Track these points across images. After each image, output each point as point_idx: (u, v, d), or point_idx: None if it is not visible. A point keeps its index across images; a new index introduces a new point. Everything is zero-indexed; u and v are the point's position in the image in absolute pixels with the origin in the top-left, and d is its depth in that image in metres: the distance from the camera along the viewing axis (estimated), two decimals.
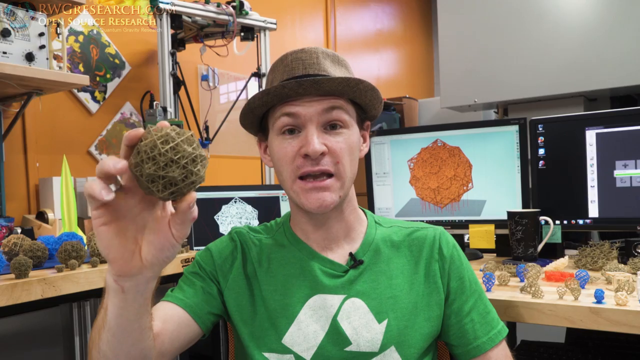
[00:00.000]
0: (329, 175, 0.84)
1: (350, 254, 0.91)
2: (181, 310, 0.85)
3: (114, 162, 0.55)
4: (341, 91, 0.85)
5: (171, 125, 0.57)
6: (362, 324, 0.86)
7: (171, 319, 0.83)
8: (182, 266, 1.56)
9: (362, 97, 0.88)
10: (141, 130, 0.57)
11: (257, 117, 0.91)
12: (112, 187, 0.57)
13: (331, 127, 0.85)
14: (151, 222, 0.61)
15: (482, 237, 1.55)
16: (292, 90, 0.83)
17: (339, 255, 0.91)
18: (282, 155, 0.86)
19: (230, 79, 3.00)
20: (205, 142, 2.54)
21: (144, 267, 0.61)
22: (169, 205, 0.62)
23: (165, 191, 0.55)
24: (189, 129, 0.57)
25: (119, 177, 0.59)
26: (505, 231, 1.50)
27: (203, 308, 0.88)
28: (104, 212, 0.58)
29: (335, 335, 0.86)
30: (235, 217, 1.84)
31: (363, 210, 0.99)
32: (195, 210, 0.59)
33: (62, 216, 1.69)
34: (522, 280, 1.19)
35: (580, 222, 1.46)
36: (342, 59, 0.92)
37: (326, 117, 0.84)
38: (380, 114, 0.97)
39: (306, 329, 0.86)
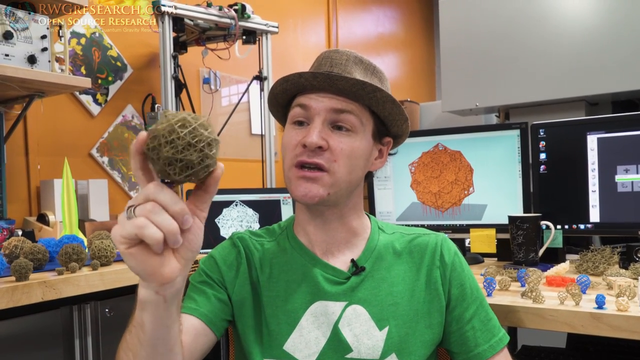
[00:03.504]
0: (323, 170, 0.84)
1: (352, 260, 0.90)
2: (196, 320, 0.84)
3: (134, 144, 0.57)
4: (355, 94, 0.85)
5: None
6: (363, 331, 0.86)
7: (187, 331, 0.81)
8: None
9: (380, 108, 0.87)
10: (144, 133, 0.57)
11: (281, 107, 0.94)
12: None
13: (338, 127, 0.85)
14: None
15: (483, 241, 1.55)
16: (307, 81, 0.85)
17: (341, 262, 0.91)
18: (286, 143, 0.87)
19: (231, 82, 3.01)
20: None
21: (181, 266, 0.60)
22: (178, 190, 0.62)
23: (182, 174, 0.56)
24: None
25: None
26: (506, 236, 1.49)
27: (218, 315, 0.87)
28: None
29: (336, 342, 0.85)
30: (236, 220, 1.84)
31: (368, 217, 0.98)
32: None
33: (63, 219, 1.69)
34: (523, 285, 1.19)
35: (582, 226, 1.45)
36: (378, 71, 0.91)
37: (334, 116, 0.85)
38: (406, 136, 0.95)
39: (308, 335, 0.86)
